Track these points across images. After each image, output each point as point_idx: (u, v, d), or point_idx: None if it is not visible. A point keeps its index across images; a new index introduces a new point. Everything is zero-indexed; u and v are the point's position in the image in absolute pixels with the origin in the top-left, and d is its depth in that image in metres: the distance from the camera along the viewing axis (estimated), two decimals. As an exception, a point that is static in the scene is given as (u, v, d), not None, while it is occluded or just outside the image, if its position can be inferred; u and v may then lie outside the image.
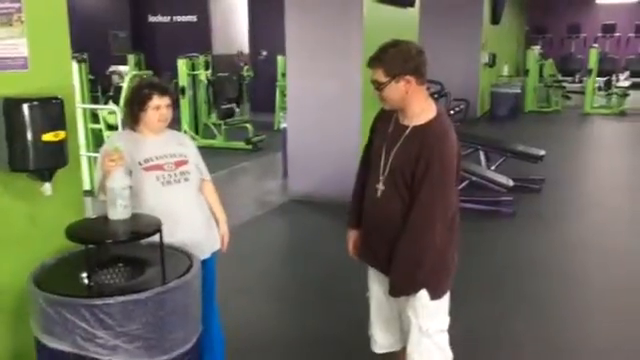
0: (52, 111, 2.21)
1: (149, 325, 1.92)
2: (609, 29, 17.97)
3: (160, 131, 2.53)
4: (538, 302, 3.93)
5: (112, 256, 2.23)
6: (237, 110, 9.88)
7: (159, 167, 2.46)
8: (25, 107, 2.14)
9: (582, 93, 13.33)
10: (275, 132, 9.65)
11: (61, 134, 2.22)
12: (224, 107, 9.41)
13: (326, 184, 5.93)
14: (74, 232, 2.06)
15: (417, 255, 2.17)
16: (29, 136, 2.15)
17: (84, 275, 2.06)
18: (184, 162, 2.53)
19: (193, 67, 9.42)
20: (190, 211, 2.52)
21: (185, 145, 2.61)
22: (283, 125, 7.09)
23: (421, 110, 2.19)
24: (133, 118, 2.49)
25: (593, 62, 12.55)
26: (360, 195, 2.41)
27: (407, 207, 2.17)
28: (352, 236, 2.50)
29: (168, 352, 1.99)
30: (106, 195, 2.19)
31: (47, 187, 2.28)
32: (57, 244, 2.26)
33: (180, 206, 2.46)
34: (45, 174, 2.26)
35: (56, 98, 2.23)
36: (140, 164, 2.44)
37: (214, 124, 9.37)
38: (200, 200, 2.62)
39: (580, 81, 14.72)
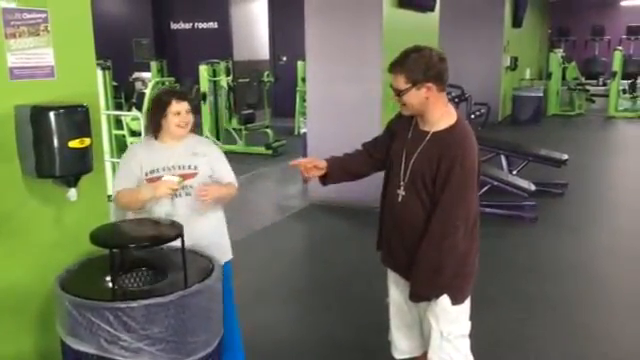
0: (78, 118, 2.25)
1: (171, 328, 1.95)
2: (634, 31, 17.66)
3: (181, 137, 2.55)
4: (562, 308, 3.87)
5: (135, 260, 2.26)
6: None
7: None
8: (52, 115, 2.18)
9: (606, 96, 13.13)
10: (295, 137, 9.69)
11: (86, 141, 2.27)
12: (245, 112, 9.49)
13: (346, 189, 5.82)
14: (98, 237, 2.09)
15: (438, 260, 2.16)
16: (56, 143, 2.19)
17: (108, 279, 2.10)
18: (190, 175, 2.51)
19: (214, 73, 9.50)
20: (188, 221, 2.42)
21: (202, 154, 2.57)
22: (303, 130, 7.11)
23: (441, 116, 2.19)
24: (155, 126, 2.53)
25: (617, 65, 12.35)
26: (353, 155, 2.49)
27: (428, 212, 2.17)
28: (314, 160, 2.49)
29: (190, 355, 2.02)
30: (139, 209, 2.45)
31: (72, 193, 2.32)
32: (82, 248, 2.30)
33: (178, 216, 2.42)
34: (71, 180, 2.31)
35: (82, 106, 2.28)
36: (146, 174, 2.48)
37: (235, 129, 9.44)
38: (206, 209, 2.57)
39: (604, 84, 14.51)
